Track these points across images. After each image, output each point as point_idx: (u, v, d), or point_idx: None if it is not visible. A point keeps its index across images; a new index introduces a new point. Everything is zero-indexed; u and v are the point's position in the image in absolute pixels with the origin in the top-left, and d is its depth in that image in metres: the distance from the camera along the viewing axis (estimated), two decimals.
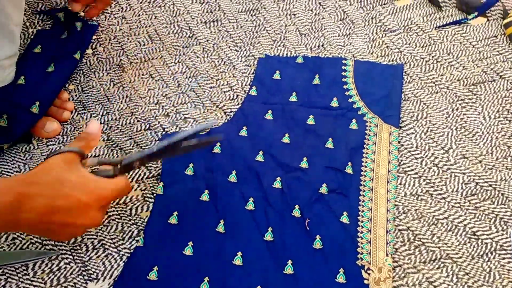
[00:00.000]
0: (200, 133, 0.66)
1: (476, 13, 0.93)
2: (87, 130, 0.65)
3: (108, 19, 0.93)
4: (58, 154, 0.59)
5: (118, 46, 0.89)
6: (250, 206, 0.70)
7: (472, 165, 0.74)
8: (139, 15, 0.94)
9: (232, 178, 0.73)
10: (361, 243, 0.67)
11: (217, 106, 0.82)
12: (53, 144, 0.77)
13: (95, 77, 0.85)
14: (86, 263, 0.66)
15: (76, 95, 0.83)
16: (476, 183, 0.73)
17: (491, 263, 0.66)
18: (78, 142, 0.63)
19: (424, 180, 0.73)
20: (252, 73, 0.86)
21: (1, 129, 0.74)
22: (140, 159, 0.63)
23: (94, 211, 0.58)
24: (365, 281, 0.63)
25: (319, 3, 0.96)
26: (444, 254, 0.66)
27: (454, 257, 0.66)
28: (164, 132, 0.78)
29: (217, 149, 0.76)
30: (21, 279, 0.64)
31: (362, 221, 0.69)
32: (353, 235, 0.67)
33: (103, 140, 0.78)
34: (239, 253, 0.66)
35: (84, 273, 0.65)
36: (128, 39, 0.90)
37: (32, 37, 0.88)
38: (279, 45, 0.90)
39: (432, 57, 0.88)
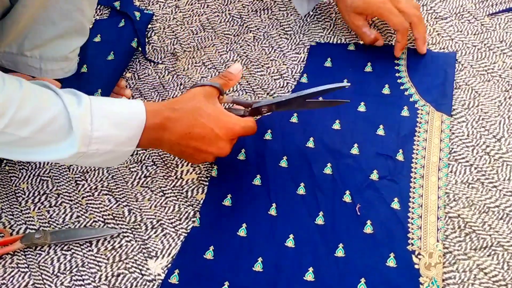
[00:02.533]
0: (327, 92, 0.72)
1: None
2: (230, 70, 0.73)
3: (162, 8, 0.96)
4: (201, 86, 0.68)
5: (172, 35, 0.92)
6: (301, 190, 0.72)
7: None
8: (191, 4, 0.97)
9: (283, 163, 0.75)
10: (412, 229, 0.68)
11: (267, 94, 0.84)
12: None
13: (151, 65, 0.89)
14: (146, 242, 0.70)
15: (133, 83, 0.87)
16: None
17: None
18: (219, 79, 0.72)
19: (475, 168, 0.73)
20: (303, 61, 0.87)
21: None
22: (269, 105, 0.72)
23: (223, 142, 0.67)
24: (416, 266, 0.65)
25: None
26: (495, 241, 0.67)
27: (505, 245, 0.66)
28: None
29: (268, 136, 0.78)
30: (85, 255, 0.69)
31: (413, 207, 0.70)
32: (403, 220, 0.69)
33: None
34: (291, 236, 0.68)
35: (144, 250, 0.69)
36: (181, 27, 0.93)
37: (91, 26, 0.92)
38: (329, 33, 0.91)
39: (484, 44, 0.87)
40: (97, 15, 0.95)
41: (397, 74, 0.83)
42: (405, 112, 0.79)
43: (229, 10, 0.95)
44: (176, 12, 0.96)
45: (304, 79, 0.84)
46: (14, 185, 0.75)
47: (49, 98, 0.58)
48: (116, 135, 0.60)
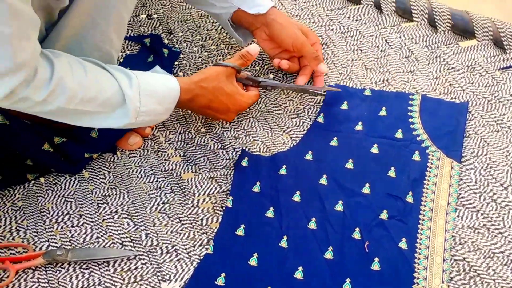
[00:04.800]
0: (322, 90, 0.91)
1: None
2: (248, 50, 0.87)
3: (189, 47, 1.02)
4: (223, 66, 0.83)
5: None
6: (312, 225, 0.75)
7: None
8: (217, 45, 1.02)
9: (296, 198, 0.78)
10: (418, 269, 0.70)
11: (284, 131, 0.88)
12: (135, 156, 0.85)
13: None
14: (161, 265, 0.73)
15: None
16: None
17: None
18: (238, 60, 0.86)
19: (481, 214, 0.76)
20: (319, 103, 0.92)
21: (93, 140, 0.83)
22: (272, 85, 0.91)
23: (231, 113, 0.86)
24: None
25: (385, 40, 1.02)
26: (499, 286, 0.68)
27: None
28: (234, 151, 0.85)
29: (283, 171, 0.81)
30: (102, 274, 0.72)
31: (420, 248, 0.72)
32: (410, 260, 0.71)
33: (180, 156, 0.86)
34: (300, 268, 0.71)
35: (158, 273, 0.72)
36: (206, 66, 0.98)
37: (121, 60, 0.98)
38: (345, 78, 0.95)
39: (495, 97, 0.91)
40: (128, 50, 1.01)
41: (410, 120, 0.87)
42: (416, 157, 0.82)
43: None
44: (202, 51, 1.01)
45: (320, 119, 0.88)
46: (40, 204, 0.79)
47: (107, 79, 0.71)
48: (156, 108, 0.74)
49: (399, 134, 0.85)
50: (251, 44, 0.89)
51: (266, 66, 0.98)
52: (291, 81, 0.95)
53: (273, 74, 0.97)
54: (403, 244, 0.72)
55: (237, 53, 0.87)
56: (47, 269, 0.72)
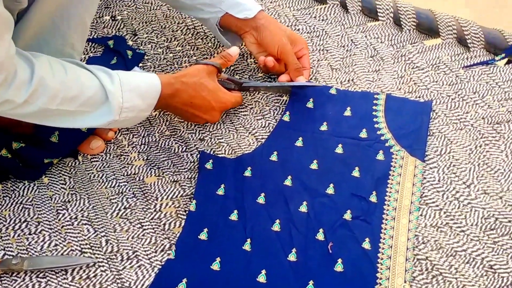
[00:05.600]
0: (302, 88, 0.91)
1: (503, 55, 0.96)
2: (229, 51, 0.87)
3: (154, 49, 1.00)
4: (204, 65, 0.83)
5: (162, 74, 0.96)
6: (276, 227, 0.74)
7: (493, 200, 0.77)
8: (182, 46, 1.01)
9: (261, 200, 0.77)
10: (381, 269, 0.70)
11: (249, 133, 0.87)
12: (97, 161, 0.84)
13: None
14: (120, 272, 0.71)
15: None
16: (496, 218, 0.75)
17: None
18: (219, 59, 0.86)
19: (444, 212, 0.76)
20: (284, 104, 0.91)
21: (53, 145, 0.81)
22: (255, 86, 0.91)
23: (216, 112, 0.85)
24: None
25: (351, 40, 1.01)
26: (461, 285, 0.68)
27: None
28: (199, 154, 0.84)
29: (247, 173, 0.80)
30: (60, 283, 0.70)
31: (383, 248, 0.72)
32: (373, 260, 0.70)
33: (143, 160, 0.84)
34: (263, 271, 0.70)
35: (118, 281, 0.70)
36: (171, 67, 0.97)
37: (84, 62, 0.96)
38: (311, 79, 0.95)
39: (458, 95, 0.91)
40: (91, 52, 1.00)
41: (374, 119, 0.87)
42: (380, 156, 0.82)
43: (217, 53, 0.99)
44: (167, 53, 1.00)
45: (286, 117, 0.88)
46: None
47: (88, 77, 0.71)
48: (139, 104, 0.74)
49: (363, 134, 0.85)
50: (232, 48, 0.88)
51: (250, 72, 0.97)
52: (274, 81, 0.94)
53: (257, 79, 0.96)
54: (366, 244, 0.72)
55: (218, 54, 0.88)
56: (1, 279, 0.70)
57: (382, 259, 0.71)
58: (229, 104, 0.86)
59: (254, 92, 0.92)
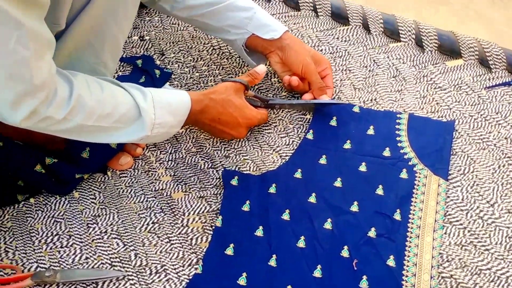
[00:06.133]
0: (327, 106, 0.93)
1: None
2: (256, 69, 0.89)
3: (180, 68, 1.03)
4: (232, 82, 0.86)
5: None
6: (301, 243, 0.76)
7: None
8: (208, 66, 1.04)
9: (286, 216, 0.79)
10: (406, 286, 0.70)
11: (273, 150, 0.89)
12: (125, 177, 0.86)
13: None
14: (149, 285, 0.73)
15: None
16: None
17: None
18: (246, 77, 0.89)
19: (468, 231, 0.76)
20: (308, 122, 0.93)
21: (84, 161, 0.83)
22: (280, 104, 0.94)
23: (242, 128, 0.87)
24: None
25: (373, 60, 1.03)
26: None
27: None
28: (223, 170, 0.85)
29: (272, 189, 0.82)
30: None
31: (408, 266, 0.72)
32: (398, 278, 0.71)
33: (170, 176, 0.86)
34: (289, 287, 0.71)
35: None
36: (197, 86, 1.00)
37: None
38: (333, 98, 0.96)
39: (481, 115, 0.92)
40: (120, 71, 1.03)
41: (397, 138, 0.88)
42: (403, 175, 0.83)
43: (242, 73, 1.02)
44: (193, 72, 1.03)
45: (310, 135, 0.89)
46: (29, 225, 0.79)
47: (122, 95, 0.73)
48: (170, 120, 0.76)
49: (386, 153, 0.86)
50: (260, 66, 0.91)
51: (274, 91, 0.99)
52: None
53: (281, 97, 0.98)
54: (391, 262, 0.73)
55: (246, 72, 0.90)
56: None
57: (407, 276, 0.71)
58: (255, 120, 0.88)
59: (279, 109, 0.94)
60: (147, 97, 0.74)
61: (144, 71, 1.03)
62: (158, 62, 1.04)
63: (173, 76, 1.02)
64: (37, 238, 0.78)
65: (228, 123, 0.84)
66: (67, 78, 0.69)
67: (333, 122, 0.91)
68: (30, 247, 0.77)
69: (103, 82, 0.73)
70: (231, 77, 1.01)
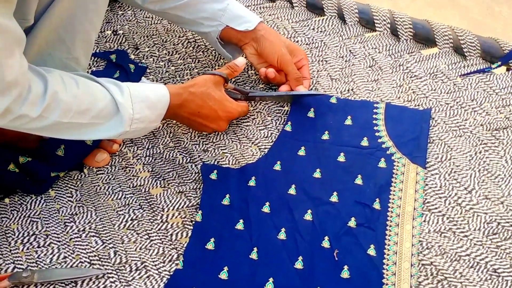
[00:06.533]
0: (309, 96, 0.93)
1: (499, 63, 0.98)
2: (235, 62, 0.88)
3: (155, 62, 1.02)
4: (210, 75, 0.85)
5: None
6: (282, 235, 0.75)
7: (494, 205, 0.78)
8: (184, 59, 1.02)
9: (266, 209, 0.78)
10: (387, 275, 0.71)
11: (252, 143, 0.89)
12: (102, 173, 0.85)
13: None
14: (130, 283, 0.72)
15: None
16: (498, 223, 0.76)
17: None
18: (226, 69, 0.87)
19: (447, 218, 0.77)
20: (286, 114, 0.92)
21: (59, 159, 0.82)
22: (260, 96, 0.92)
23: (222, 121, 0.86)
24: None
25: (350, 50, 1.03)
26: None
27: None
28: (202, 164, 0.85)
29: (252, 183, 0.82)
30: None
31: (388, 254, 0.73)
32: (379, 266, 0.72)
33: (148, 171, 0.85)
34: (271, 279, 0.71)
35: None
36: (173, 80, 0.99)
37: None
38: (311, 89, 0.96)
39: (457, 103, 0.93)
40: (94, 66, 1.01)
41: (375, 128, 0.88)
42: (382, 164, 0.83)
43: (218, 66, 1.01)
44: (168, 66, 1.01)
45: (288, 127, 0.89)
46: (5, 225, 0.77)
47: (99, 90, 0.72)
48: (149, 115, 0.75)
49: (364, 142, 0.86)
50: (239, 58, 0.90)
51: (251, 84, 0.98)
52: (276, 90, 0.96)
53: (259, 90, 0.97)
54: (371, 251, 0.73)
55: (225, 65, 0.89)
56: None
57: (387, 265, 0.72)
58: (235, 113, 0.88)
59: (258, 102, 0.94)
60: (124, 92, 0.73)
61: (118, 66, 1.01)
62: (132, 57, 1.03)
63: (148, 71, 1.00)
64: (13, 239, 0.76)
65: (208, 116, 0.83)
66: (40, 74, 0.67)
67: (311, 114, 0.91)
68: (6, 247, 0.75)
69: (79, 78, 0.72)
70: (208, 70, 1.00)
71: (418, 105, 0.93)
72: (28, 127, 0.67)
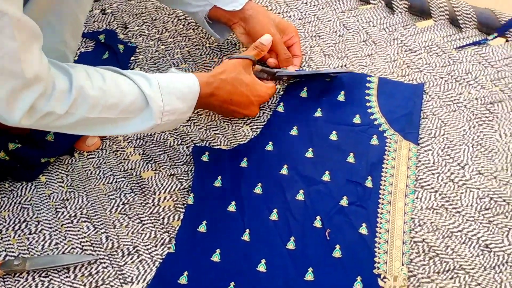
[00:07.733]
0: (334, 74, 0.91)
1: (495, 34, 0.96)
2: (261, 40, 0.86)
3: (145, 41, 1.00)
4: (238, 59, 0.83)
5: (154, 67, 0.96)
6: (274, 216, 0.75)
7: (487, 180, 0.77)
8: (174, 37, 1.01)
9: (258, 190, 0.78)
10: (378, 253, 0.71)
11: (244, 123, 0.88)
12: (93, 158, 0.84)
13: None
14: (122, 268, 0.72)
15: None
16: (491, 198, 0.76)
17: (503, 274, 0.68)
18: (253, 50, 0.86)
19: (440, 194, 0.77)
20: (279, 93, 0.91)
21: (49, 144, 0.81)
22: (288, 75, 0.90)
23: (254, 106, 0.85)
24: None
25: (343, 25, 1.01)
26: (458, 265, 0.69)
27: (467, 268, 0.69)
28: (193, 146, 0.84)
29: (244, 163, 0.81)
30: (63, 281, 0.71)
31: (380, 232, 0.73)
32: (371, 245, 0.71)
33: (139, 154, 0.84)
34: (263, 261, 0.71)
35: (120, 276, 0.71)
36: (163, 60, 0.97)
37: (76, 58, 0.96)
38: (304, 66, 0.95)
39: (451, 76, 0.91)
40: (82, 47, 0.99)
41: (367, 104, 0.87)
42: (374, 141, 0.82)
43: (209, 44, 0.99)
44: (158, 45, 1.00)
45: (280, 108, 0.88)
46: None
47: (126, 83, 0.70)
48: (180, 106, 0.73)
49: (357, 120, 0.85)
50: (265, 36, 0.87)
51: None
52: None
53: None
54: (363, 230, 0.73)
55: (251, 45, 0.87)
56: (5, 280, 0.70)
57: (379, 243, 0.72)
58: (266, 96, 0.86)
59: (287, 81, 0.91)
60: (152, 84, 0.71)
61: (107, 46, 0.99)
62: (121, 36, 1.01)
63: (138, 50, 0.99)
64: (4, 226, 0.76)
65: (240, 102, 0.82)
66: (64, 70, 0.66)
67: (304, 94, 0.89)
68: None
69: (105, 71, 0.70)
70: (198, 48, 0.98)
71: (413, 80, 0.91)
72: (57, 124, 0.66)
